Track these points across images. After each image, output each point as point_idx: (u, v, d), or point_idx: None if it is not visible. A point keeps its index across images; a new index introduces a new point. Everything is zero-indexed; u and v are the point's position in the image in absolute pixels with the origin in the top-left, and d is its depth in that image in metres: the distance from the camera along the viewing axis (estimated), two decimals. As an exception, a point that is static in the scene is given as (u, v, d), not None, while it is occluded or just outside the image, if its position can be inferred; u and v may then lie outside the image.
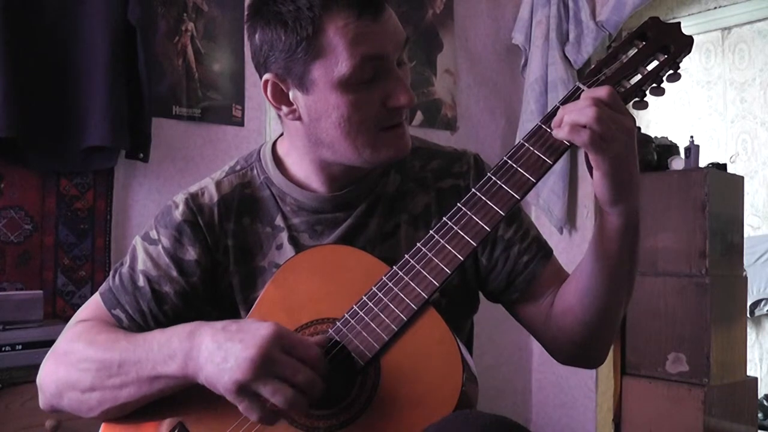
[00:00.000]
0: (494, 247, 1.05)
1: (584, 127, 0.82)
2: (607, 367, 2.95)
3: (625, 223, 0.89)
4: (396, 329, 0.86)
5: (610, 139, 0.82)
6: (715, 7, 4.06)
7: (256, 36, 0.95)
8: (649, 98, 0.92)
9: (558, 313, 1.01)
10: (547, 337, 1.05)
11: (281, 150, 1.06)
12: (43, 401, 0.97)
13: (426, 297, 0.87)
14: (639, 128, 3.27)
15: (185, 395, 0.88)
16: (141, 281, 1.00)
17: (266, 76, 0.95)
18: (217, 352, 0.81)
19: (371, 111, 0.92)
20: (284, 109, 0.97)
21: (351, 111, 0.91)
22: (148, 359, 0.87)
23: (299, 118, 0.96)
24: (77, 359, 0.92)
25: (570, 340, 1.01)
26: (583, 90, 0.88)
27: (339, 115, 0.92)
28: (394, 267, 0.90)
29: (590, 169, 0.88)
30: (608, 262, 0.93)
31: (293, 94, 0.95)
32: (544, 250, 1.06)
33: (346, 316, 0.89)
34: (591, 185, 0.89)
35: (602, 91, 0.84)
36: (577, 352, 1.03)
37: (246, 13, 0.98)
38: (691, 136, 3.00)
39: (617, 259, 0.92)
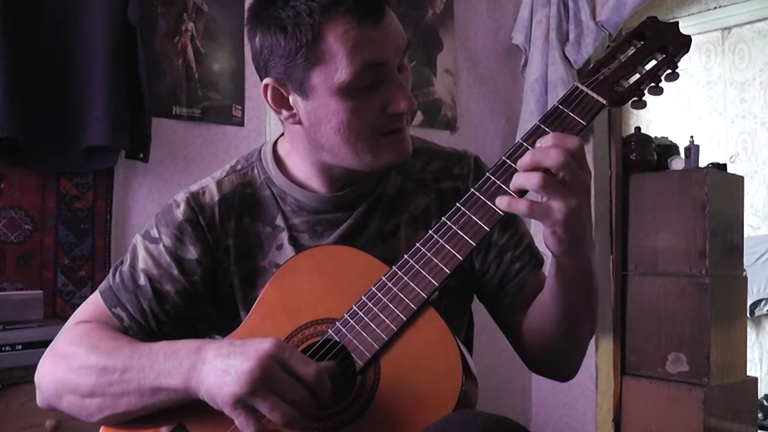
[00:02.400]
0: (488, 252, 1.05)
1: (545, 171, 0.80)
2: (607, 367, 2.95)
3: (577, 271, 0.89)
4: (395, 329, 0.86)
5: (559, 204, 0.80)
6: (715, 7, 4.06)
7: (256, 40, 0.94)
8: (648, 97, 0.92)
9: (525, 330, 1.03)
10: (519, 347, 1.07)
11: (282, 150, 1.06)
12: (41, 400, 0.96)
13: (425, 297, 0.87)
14: (639, 128, 3.27)
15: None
16: (142, 280, 0.99)
17: (266, 80, 0.95)
18: (219, 365, 0.81)
19: (371, 117, 0.92)
20: (284, 113, 0.97)
21: (350, 117, 0.91)
22: (152, 369, 0.86)
23: (299, 122, 0.96)
24: (78, 364, 0.91)
25: (536, 355, 1.04)
26: (581, 90, 0.88)
27: (339, 120, 0.92)
28: (393, 267, 0.90)
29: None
30: (562, 302, 0.93)
31: (293, 98, 0.95)
32: (536, 259, 1.06)
33: (346, 316, 0.89)
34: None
35: (572, 143, 0.81)
36: (543, 367, 1.06)
37: (246, 15, 0.97)
38: (691, 136, 3.00)
39: (571, 300, 0.93)
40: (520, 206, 0.82)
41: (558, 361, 1.03)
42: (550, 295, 0.94)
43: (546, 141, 0.82)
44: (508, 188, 0.88)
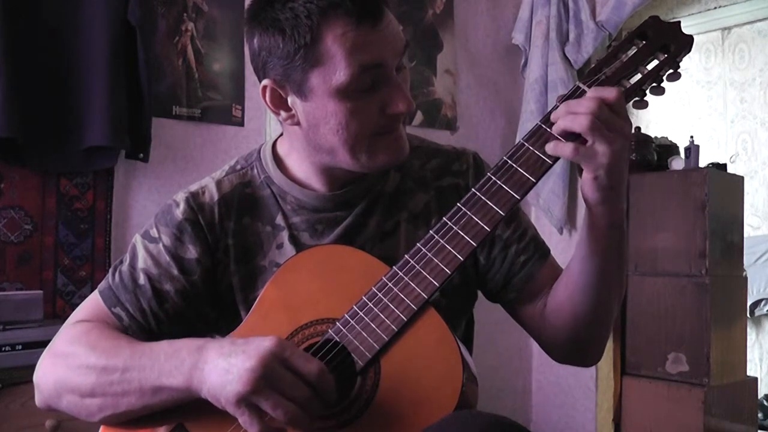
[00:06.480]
0: (492, 246, 1.05)
1: (577, 135, 0.83)
2: (607, 367, 2.95)
3: (611, 223, 0.90)
4: (396, 330, 0.86)
5: (603, 147, 0.82)
6: (715, 7, 4.05)
7: (255, 41, 0.94)
8: (649, 98, 0.92)
9: (551, 311, 1.02)
10: (542, 336, 1.05)
11: (281, 150, 1.06)
12: (39, 400, 0.96)
13: (426, 297, 0.86)
14: (639, 128, 3.27)
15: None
16: (141, 279, 0.99)
17: (265, 81, 0.95)
18: (221, 364, 0.81)
19: (369, 118, 0.92)
20: (283, 114, 0.97)
21: (349, 118, 0.91)
22: (153, 368, 0.86)
23: (298, 124, 0.96)
24: (77, 363, 0.91)
25: (563, 337, 1.02)
26: (583, 89, 0.88)
27: (337, 122, 0.91)
28: (394, 267, 0.90)
29: (580, 169, 0.88)
30: (595, 260, 0.93)
31: (292, 99, 0.95)
32: (541, 250, 1.06)
33: (346, 316, 0.89)
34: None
35: (610, 93, 0.84)
36: (571, 349, 1.04)
37: (245, 16, 0.97)
38: (691, 136, 3.00)
39: (604, 257, 0.93)
40: (565, 149, 0.83)
41: (585, 337, 1.01)
42: (583, 253, 0.93)
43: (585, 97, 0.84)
44: (509, 188, 0.88)
